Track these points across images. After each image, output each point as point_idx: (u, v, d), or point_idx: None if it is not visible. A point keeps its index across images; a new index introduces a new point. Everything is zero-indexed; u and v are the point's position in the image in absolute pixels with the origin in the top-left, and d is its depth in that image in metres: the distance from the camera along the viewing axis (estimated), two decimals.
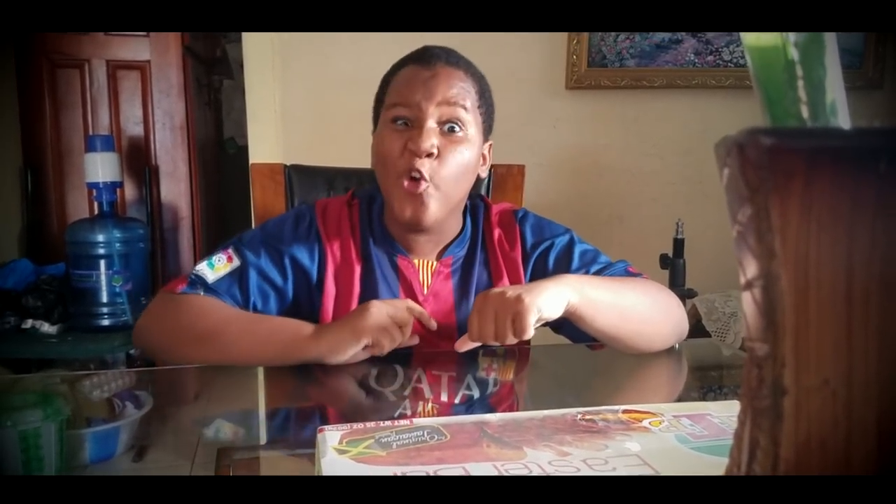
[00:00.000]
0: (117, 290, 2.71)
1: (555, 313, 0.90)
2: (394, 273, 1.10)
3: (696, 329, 2.14)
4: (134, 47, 3.21)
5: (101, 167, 2.75)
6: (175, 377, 1.00)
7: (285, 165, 1.43)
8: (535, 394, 1.04)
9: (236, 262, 1.05)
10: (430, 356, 1.08)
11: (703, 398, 0.94)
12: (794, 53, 0.32)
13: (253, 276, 1.05)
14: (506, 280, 1.12)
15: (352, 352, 0.92)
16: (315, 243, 1.09)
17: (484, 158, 1.11)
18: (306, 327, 0.95)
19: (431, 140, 1.00)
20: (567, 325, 1.03)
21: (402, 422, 0.59)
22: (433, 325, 0.99)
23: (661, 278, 1.80)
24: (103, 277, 2.70)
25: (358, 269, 1.09)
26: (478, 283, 1.11)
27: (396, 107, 1.03)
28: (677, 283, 2.09)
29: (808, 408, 0.29)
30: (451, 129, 1.02)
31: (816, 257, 0.28)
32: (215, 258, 1.06)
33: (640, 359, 1.03)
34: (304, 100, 2.33)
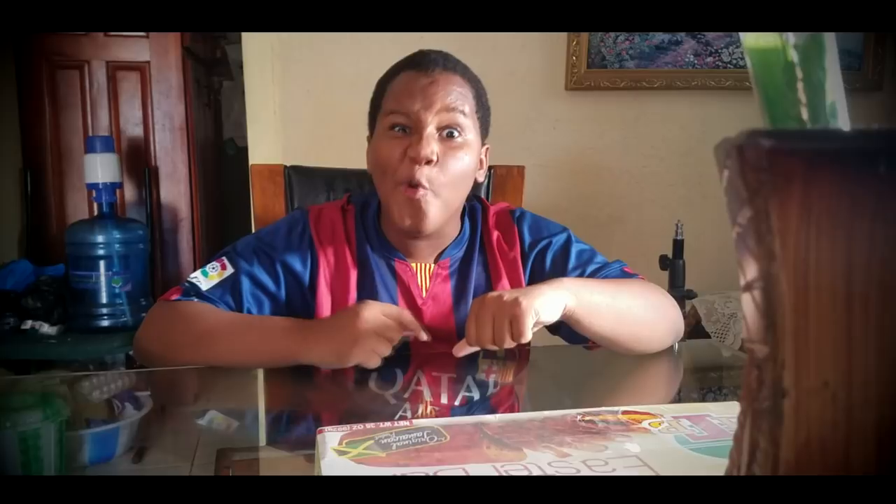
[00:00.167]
0: (117, 291, 2.72)
1: (552, 317, 0.90)
2: (392, 277, 1.10)
3: (696, 330, 2.14)
4: (133, 48, 3.21)
5: (101, 168, 2.75)
6: (174, 378, 1.00)
7: (285, 166, 1.43)
8: (534, 395, 1.04)
9: (229, 270, 1.06)
10: (429, 358, 1.08)
11: (703, 399, 0.94)
12: (793, 55, 0.32)
13: (246, 283, 1.06)
14: (505, 281, 1.12)
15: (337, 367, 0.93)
16: (307, 249, 1.09)
17: (481, 162, 1.10)
18: (294, 341, 0.94)
19: (431, 147, 1.00)
20: (564, 327, 1.03)
21: (402, 423, 0.59)
22: (424, 337, 0.97)
23: (660, 279, 1.80)
24: (103, 278, 2.70)
25: (354, 275, 1.09)
26: (476, 285, 1.11)
27: (394, 114, 1.03)
28: (677, 285, 2.09)
29: (808, 409, 0.29)
30: (450, 135, 1.02)
31: (816, 259, 0.28)
32: (209, 267, 1.07)
33: (640, 360, 1.03)
34: (303, 101, 2.33)
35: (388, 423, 0.59)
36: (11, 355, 2.54)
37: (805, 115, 0.32)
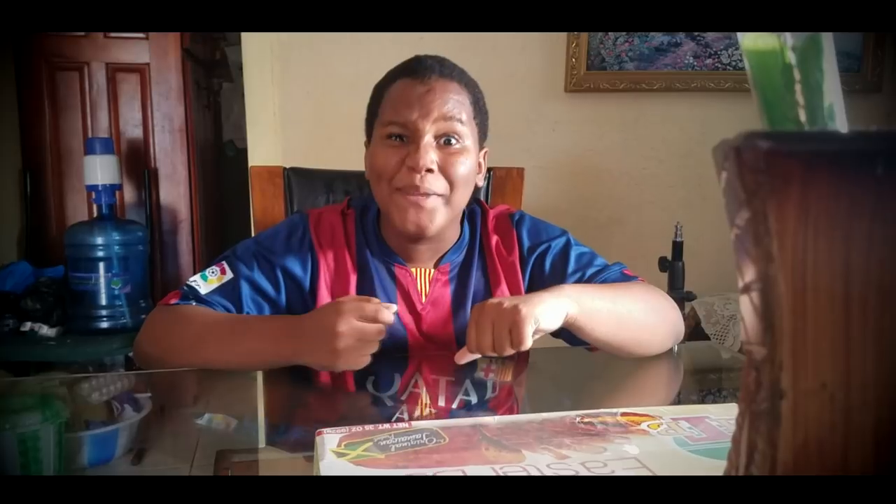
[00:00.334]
0: (116, 292, 2.72)
1: (553, 325, 0.89)
2: (391, 282, 1.10)
3: (695, 332, 2.14)
4: (133, 50, 3.21)
5: (101, 170, 2.75)
6: (174, 380, 1.00)
7: (284, 168, 1.43)
8: (533, 396, 1.04)
9: (229, 275, 1.06)
10: (428, 360, 1.08)
11: (702, 401, 0.94)
12: (791, 57, 0.32)
13: (245, 289, 1.06)
14: (503, 286, 1.11)
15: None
16: (308, 254, 1.09)
17: (479, 166, 1.10)
18: (285, 348, 0.93)
19: (430, 156, 1.00)
20: (565, 331, 1.03)
21: (401, 425, 0.59)
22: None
23: (659, 281, 1.80)
24: (102, 280, 2.70)
25: (353, 279, 1.09)
26: (475, 290, 1.11)
27: (392, 123, 1.03)
28: (676, 286, 2.09)
29: (806, 411, 0.29)
30: (448, 143, 1.02)
31: (814, 261, 0.28)
32: (209, 271, 1.07)
33: (639, 361, 1.03)
34: (303, 103, 2.33)
35: (386, 425, 0.59)
36: (10, 357, 2.54)
37: (803, 117, 0.32)
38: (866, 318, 0.29)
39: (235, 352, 0.96)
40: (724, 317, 2.14)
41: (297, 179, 1.43)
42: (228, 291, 1.05)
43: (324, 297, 1.08)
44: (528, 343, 0.86)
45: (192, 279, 1.06)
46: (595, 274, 1.10)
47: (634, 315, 1.00)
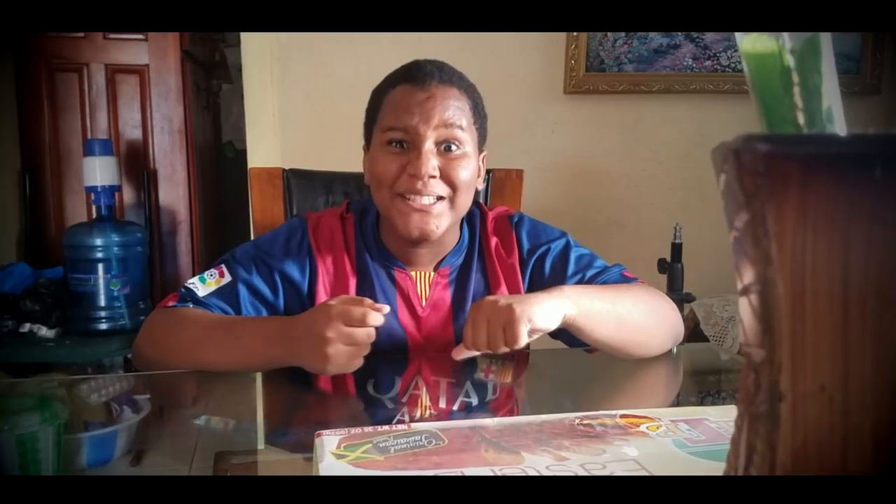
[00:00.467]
0: (115, 293, 2.71)
1: (549, 325, 0.90)
2: (391, 286, 1.10)
3: (694, 333, 2.14)
4: (132, 51, 3.21)
5: (100, 171, 2.75)
6: (173, 381, 1.00)
7: (284, 169, 1.43)
8: (533, 398, 1.04)
9: (227, 278, 1.06)
10: (428, 362, 1.08)
11: (701, 403, 0.94)
12: (790, 60, 0.32)
13: (243, 292, 1.06)
14: (503, 288, 1.12)
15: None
16: (306, 257, 1.09)
17: (479, 170, 1.10)
18: (278, 350, 0.92)
19: (431, 163, 1.00)
20: (564, 332, 1.03)
21: (400, 426, 0.59)
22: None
23: (659, 283, 1.80)
24: (101, 281, 2.70)
25: (353, 283, 1.09)
26: (475, 292, 1.11)
27: (392, 130, 1.02)
28: (675, 288, 2.09)
29: (805, 413, 0.29)
30: (448, 149, 1.03)
31: (812, 263, 0.28)
32: (207, 274, 1.07)
33: (638, 363, 1.03)
34: (302, 104, 2.33)
35: (386, 427, 0.59)
36: (9, 358, 2.54)
37: (801, 119, 0.32)
38: (865, 321, 0.29)
39: (231, 353, 0.96)
40: (723, 318, 2.14)
41: (297, 181, 1.43)
42: (226, 294, 1.05)
43: (322, 301, 1.08)
44: (521, 342, 0.86)
45: (190, 282, 1.06)
46: (595, 275, 1.10)
47: (634, 316, 1.00)
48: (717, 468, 0.36)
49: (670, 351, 1.07)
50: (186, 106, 3.27)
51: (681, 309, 1.11)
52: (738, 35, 0.33)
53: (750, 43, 0.33)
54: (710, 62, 2.43)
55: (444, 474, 0.51)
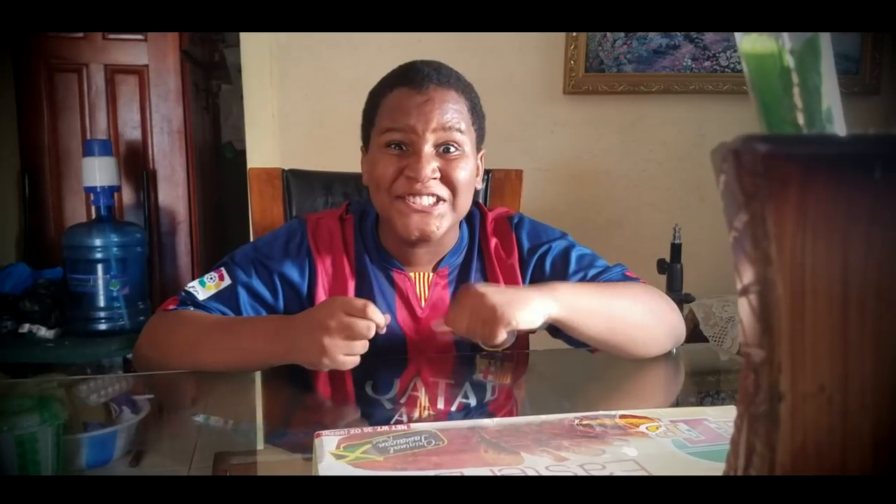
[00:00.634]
0: (114, 294, 2.71)
1: (531, 325, 0.90)
2: (390, 287, 1.10)
3: (694, 334, 2.14)
4: (132, 52, 3.21)
5: (99, 171, 2.75)
6: (172, 382, 1.00)
7: (283, 170, 1.43)
8: (532, 399, 1.04)
9: (227, 281, 1.07)
10: (427, 363, 1.08)
11: (701, 403, 0.94)
12: (789, 61, 0.32)
13: (243, 295, 1.06)
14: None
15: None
16: (305, 260, 1.09)
17: (477, 169, 1.10)
18: (277, 347, 0.93)
19: (431, 165, 1.01)
20: (564, 332, 1.04)
21: (400, 427, 0.59)
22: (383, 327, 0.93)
23: (658, 283, 1.80)
24: (100, 282, 2.69)
25: (352, 285, 1.09)
26: None
27: (390, 132, 1.02)
28: (674, 288, 2.09)
29: (804, 414, 0.29)
30: (447, 150, 1.03)
31: (812, 264, 0.28)
32: (207, 277, 1.08)
33: (638, 364, 1.03)
34: (302, 104, 2.33)
35: (385, 427, 0.59)
36: (9, 359, 2.54)
37: (801, 120, 0.32)
38: (864, 321, 0.29)
39: (231, 352, 0.96)
40: (723, 319, 2.14)
41: (296, 181, 1.43)
42: (226, 297, 1.05)
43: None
44: (497, 341, 0.88)
45: (190, 285, 1.06)
46: (596, 275, 1.10)
47: (630, 315, 1.00)
48: (716, 468, 0.36)
49: (670, 351, 1.07)
50: (186, 106, 3.27)
51: (680, 309, 1.11)
52: (737, 35, 0.33)
53: (749, 43, 0.33)
54: (709, 62, 2.43)
55: (443, 475, 0.51)
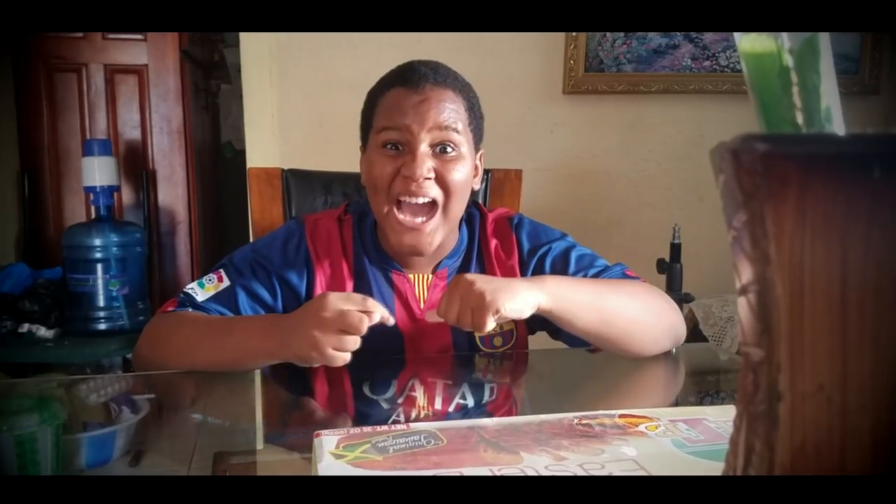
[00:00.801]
0: (114, 294, 2.71)
1: (519, 315, 0.91)
2: (389, 289, 1.10)
3: (693, 333, 2.14)
4: (131, 51, 3.21)
5: (99, 171, 2.75)
6: (172, 382, 1.00)
7: (283, 170, 1.43)
8: (532, 398, 1.04)
9: (226, 283, 1.07)
10: (427, 363, 1.08)
11: (700, 403, 0.94)
12: (788, 60, 0.32)
13: (242, 296, 1.06)
14: None
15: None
16: (304, 261, 1.09)
17: (476, 169, 1.10)
18: (271, 343, 0.92)
19: (426, 165, 1.00)
20: (564, 332, 1.03)
21: (399, 426, 0.59)
22: (391, 322, 0.92)
23: (657, 283, 1.80)
24: (100, 281, 2.70)
25: (350, 286, 1.09)
26: None
27: (387, 131, 1.02)
28: (674, 288, 2.09)
29: (803, 413, 0.29)
30: (444, 151, 1.03)
31: (811, 263, 0.28)
32: (205, 279, 1.08)
33: (637, 363, 1.03)
34: (301, 104, 2.33)
35: (384, 427, 0.59)
36: (8, 359, 2.54)
37: (800, 119, 0.32)
38: (863, 321, 0.29)
39: (226, 351, 0.96)
40: (722, 318, 2.14)
41: (296, 181, 1.43)
42: (225, 299, 1.05)
43: None
44: (486, 328, 0.88)
45: (189, 287, 1.06)
46: (596, 275, 1.10)
47: (625, 310, 1.00)
48: (715, 468, 0.36)
49: (669, 351, 1.07)
50: (185, 106, 3.27)
51: (679, 309, 1.11)
52: (736, 35, 0.33)
53: (749, 43, 0.33)
54: (708, 62, 2.43)
55: (442, 474, 0.51)
